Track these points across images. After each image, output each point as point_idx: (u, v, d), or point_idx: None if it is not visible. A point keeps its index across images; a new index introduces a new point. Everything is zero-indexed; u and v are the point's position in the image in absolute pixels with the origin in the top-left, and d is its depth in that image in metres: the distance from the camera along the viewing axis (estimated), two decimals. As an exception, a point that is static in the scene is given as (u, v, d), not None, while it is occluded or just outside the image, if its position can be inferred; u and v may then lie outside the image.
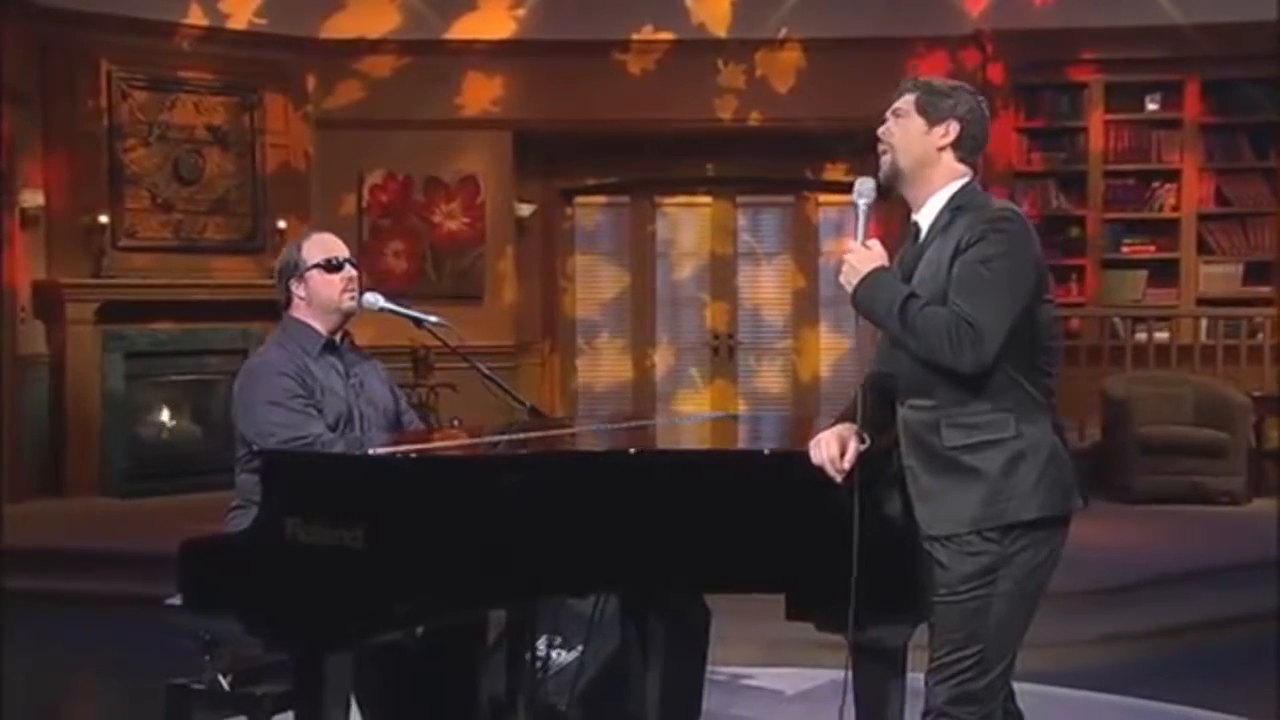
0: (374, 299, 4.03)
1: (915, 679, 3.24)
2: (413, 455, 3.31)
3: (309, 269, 3.90)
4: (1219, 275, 9.86)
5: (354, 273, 3.95)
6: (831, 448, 3.08)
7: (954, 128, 3.14)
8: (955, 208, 3.11)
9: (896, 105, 3.18)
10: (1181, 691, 5.36)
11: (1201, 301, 9.84)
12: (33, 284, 9.01)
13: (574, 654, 4.13)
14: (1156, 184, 9.94)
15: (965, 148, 3.15)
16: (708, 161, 10.86)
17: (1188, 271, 9.85)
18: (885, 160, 3.17)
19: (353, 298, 3.93)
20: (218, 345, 9.32)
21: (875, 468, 3.13)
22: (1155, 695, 5.33)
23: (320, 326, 3.92)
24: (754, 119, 10.30)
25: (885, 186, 3.19)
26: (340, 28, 10.10)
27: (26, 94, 8.90)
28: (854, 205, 3.19)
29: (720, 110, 10.29)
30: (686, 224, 11.16)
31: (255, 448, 3.61)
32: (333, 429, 3.79)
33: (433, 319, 4.10)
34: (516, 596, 3.57)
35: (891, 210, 3.59)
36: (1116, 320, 9.85)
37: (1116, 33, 9.60)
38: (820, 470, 3.08)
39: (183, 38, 9.55)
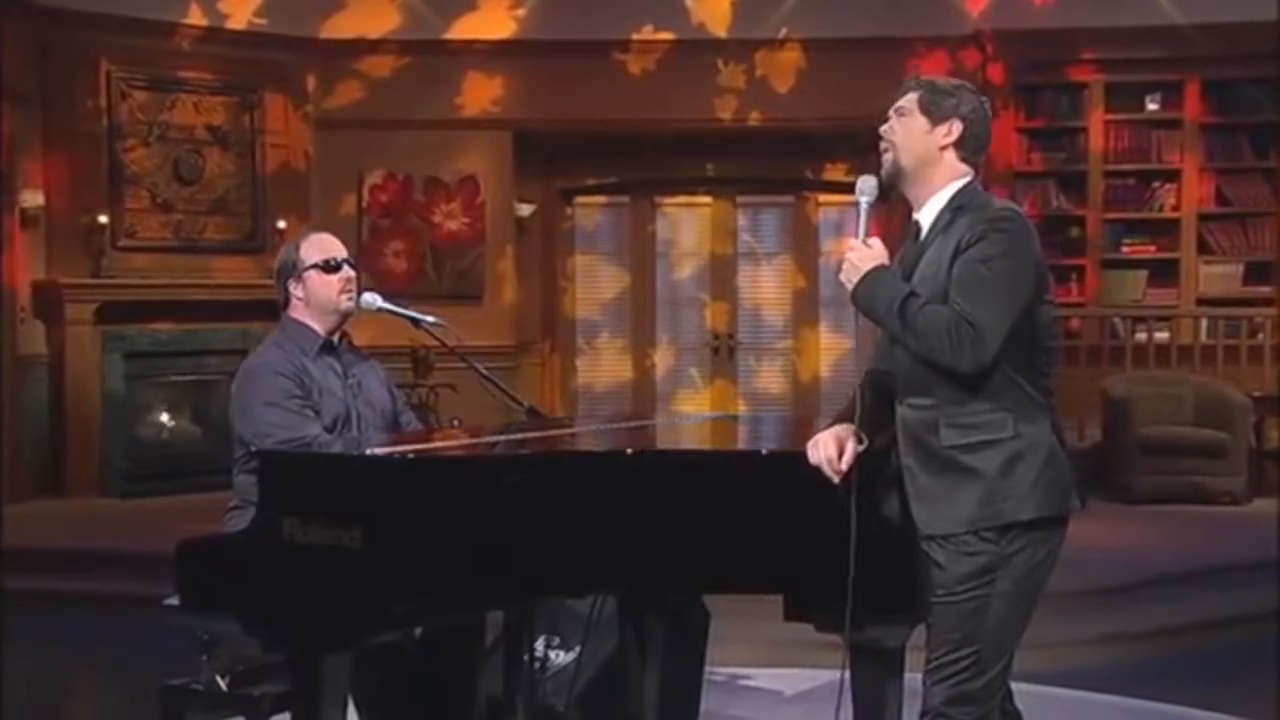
0: (372, 299, 4.03)
1: (913, 679, 3.24)
2: (410, 455, 3.30)
3: (307, 269, 3.90)
4: (1219, 275, 9.85)
5: (352, 273, 3.94)
6: (829, 448, 3.08)
7: (956, 127, 3.14)
8: (956, 207, 3.11)
9: (899, 104, 3.18)
10: (1181, 692, 5.35)
11: (1201, 301, 9.83)
12: (32, 284, 9.01)
13: (572, 654, 4.13)
14: (1156, 184, 9.93)
15: (968, 147, 3.15)
16: (708, 161, 10.86)
17: (1188, 271, 9.84)
18: (887, 158, 3.17)
19: (350, 298, 3.93)
20: (217, 345, 9.30)
21: (873, 468, 3.13)
22: (1155, 696, 5.32)
23: (318, 327, 3.92)
24: (754, 119, 10.30)
25: (887, 185, 3.19)
26: (340, 28, 10.10)
27: (26, 94, 8.90)
28: (855, 203, 3.19)
29: (720, 110, 10.29)
30: (686, 224, 11.16)
31: (252, 448, 3.61)
32: (330, 430, 3.79)
33: (430, 319, 4.10)
34: (514, 597, 3.56)
35: (892, 209, 3.59)
36: (1117, 320, 9.84)
37: (1116, 33, 9.59)
38: (818, 471, 3.08)
39: (182, 38, 9.55)
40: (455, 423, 5.09)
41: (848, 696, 3.29)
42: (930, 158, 3.14)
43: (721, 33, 10.23)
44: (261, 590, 3.26)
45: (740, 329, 11.04)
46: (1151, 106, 9.92)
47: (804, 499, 3.12)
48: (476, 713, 3.84)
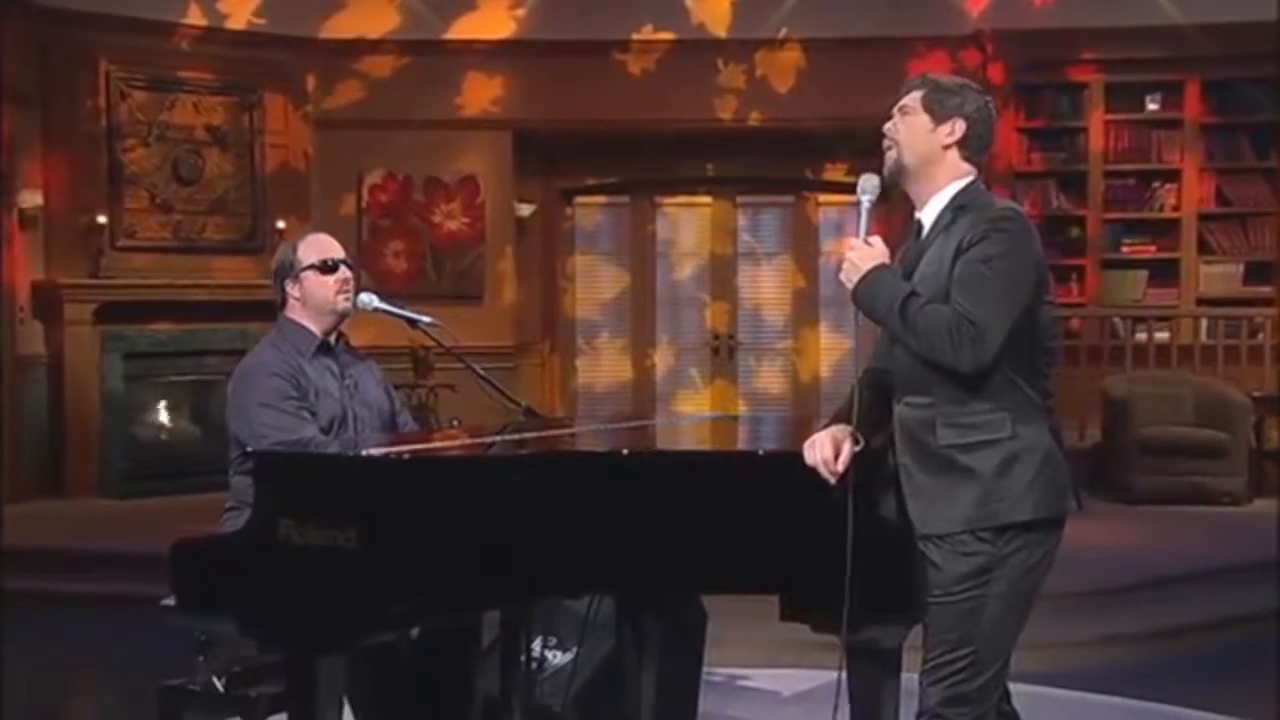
0: (369, 299, 4.02)
1: (910, 679, 3.24)
2: (406, 456, 3.29)
3: (304, 270, 3.90)
4: (1219, 275, 9.85)
5: (349, 274, 3.94)
6: (825, 449, 3.07)
7: (960, 126, 3.13)
8: (958, 206, 3.11)
9: (903, 102, 3.18)
10: (1181, 693, 5.35)
11: (1202, 301, 9.83)
12: (32, 284, 9.01)
13: (569, 655, 4.12)
14: (1157, 184, 9.93)
15: (971, 147, 3.15)
16: (708, 161, 10.86)
17: (1188, 271, 9.84)
18: (890, 156, 3.17)
19: (347, 299, 3.92)
20: (217, 346, 9.29)
21: (870, 468, 3.13)
22: (1154, 697, 5.32)
23: (315, 327, 3.91)
24: (754, 119, 10.30)
25: (889, 183, 3.19)
26: (340, 28, 10.10)
27: (26, 94, 8.90)
28: (857, 202, 3.18)
29: (720, 110, 10.28)
30: (686, 224, 11.16)
31: (248, 449, 3.60)
32: (326, 431, 3.78)
33: (426, 319, 4.10)
34: (511, 597, 3.55)
35: (892, 209, 3.58)
36: (1117, 320, 9.83)
37: (1117, 33, 9.59)
38: (815, 471, 3.07)
39: (182, 38, 9.55)
40: (455, 423, 5.08)
41: (845, 697, 3.29)
42: (933, 156, 3.14)
43: (721, 33, 10.23)
44: (257, 591, 3.25)
45: (740, 329, 11.03)
46: (1152, 106, 9.92)
47: (800, 499, 3.11)
48: (473, 713, 3.83)
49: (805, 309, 10.98)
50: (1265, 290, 9.74)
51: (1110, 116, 9.90)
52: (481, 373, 4.09)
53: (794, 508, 3.15)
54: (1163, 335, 9.62)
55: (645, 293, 11.03)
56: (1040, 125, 10.00)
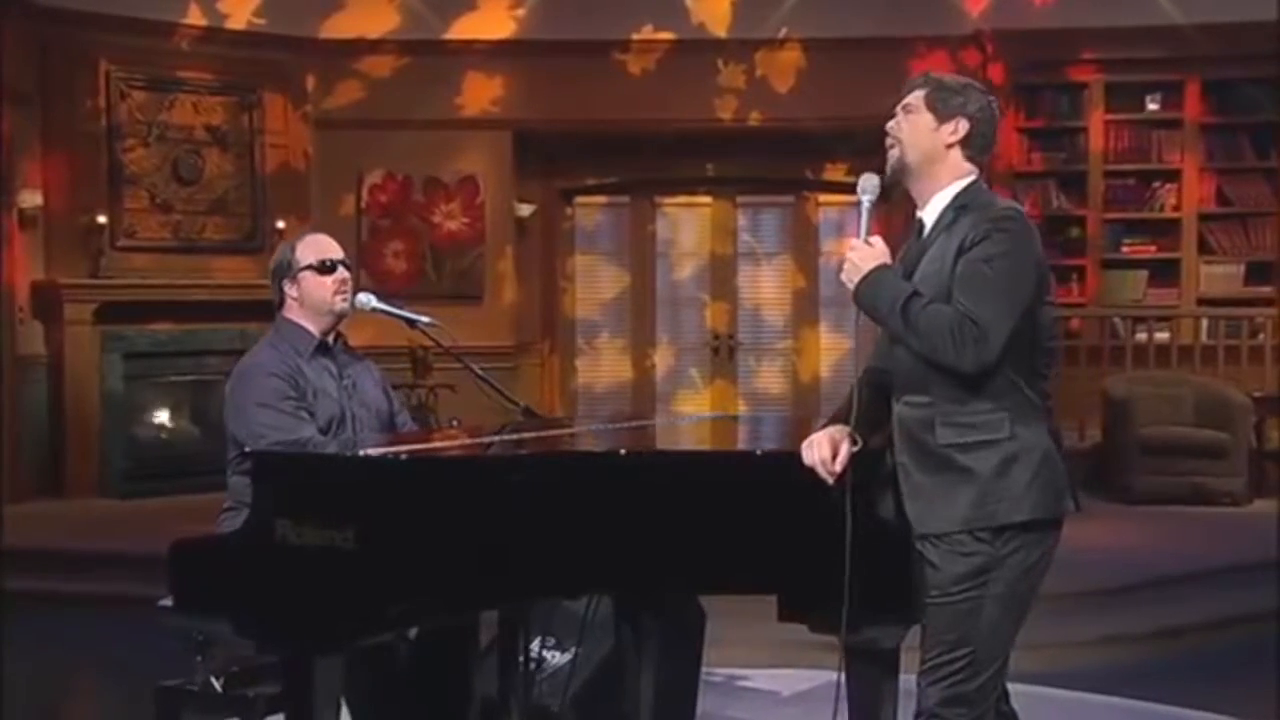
0: (366, 299, 4.02)
1: (908, 680, 3.23)
2: (403, 456, 3.28)
3: (301, 270, 3.89)
4: (1220, 275, 9.84)
5: (347, 275, 3.93)
6: (823, 449, 3.07)
7: (963, 126, 3.13)
8: (960, 206, 3.10)
9: (906, 100, 3.18)
10: (1181, 693, 5.34)
11: (1202, 301, 9.82)
12: (31, 284, 9.01)
13: (567, 655, 4.12)
14: (1157, 184, 9.92)
15: (974, 146, 3.15)
16: (708, 161, 10.85)
17: (1188, 271, 9.83)
18: (893, 155, 3.16)
19: (345, 300, 3.92)
20: (217, 346, 9.28)
21: (868, 468, 3.12)
22: (1154, 697, 5.31)
23: (313, 328, 3.91)
24: (754, 119, 10.29)
25: (891, 181, 3.19)
26: (339, 28, 10.10)
27: (26, 94, 8.90)
28: (857, 202, 3.18)
29: (720, 110, 10.28)
30: (686, 224, 11.15)
31: (246, 449, 3.60)
32: (324, 431, 3.78)
33: (425, 319, 4.09)
34: (509, 597, 3.55)
35: (892, 209, 3.58)
36: (1117, 320, 9.83)
37: (1117, 33, 9.58)
38: (813, 471, 3.07)
39: (182, 38, 9.55)
40: (454, 423, 5.08)
41: (844, 698, 3.29)
42: (935, 155, 3.14)
43: (721, 33, 10.22)
44: (254, 591, 3.25)
45: (740, 329, 11.03)
46: (1152, 106, 9.91)
47: (799, 500, 3.11)
48: (471, 714, 3.83)
49: (805, 309, 10.97)
50: (1265, 290, 9.74)
51: (1110, 116, 9.89)
52: (480, 373, 4.09)
53: (792, 508, 3.15)
54: (1163, 335, 9.62)
55: (645, 293, 11.03)
56: (1040, 125, 9.99)
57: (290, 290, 3.91)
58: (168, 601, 3.56)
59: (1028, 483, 3.00)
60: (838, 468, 3.06)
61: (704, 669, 4.27)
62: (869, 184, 3.18)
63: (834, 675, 3.22)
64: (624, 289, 11.06)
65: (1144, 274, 9.94)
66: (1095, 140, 9.86)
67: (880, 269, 3.07)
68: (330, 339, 3.95)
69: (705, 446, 4.33)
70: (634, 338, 11.06)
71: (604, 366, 11.13)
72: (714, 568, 3.23)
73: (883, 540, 3.11)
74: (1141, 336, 9.67)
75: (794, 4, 10.07)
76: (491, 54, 10.26)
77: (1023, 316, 3.00)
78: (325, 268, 3.89)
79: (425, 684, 3.81)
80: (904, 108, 3.18)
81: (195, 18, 9.58)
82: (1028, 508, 3.00)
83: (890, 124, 3.18)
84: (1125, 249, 9.97)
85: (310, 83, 10.07)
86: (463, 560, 3.19)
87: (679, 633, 4.03)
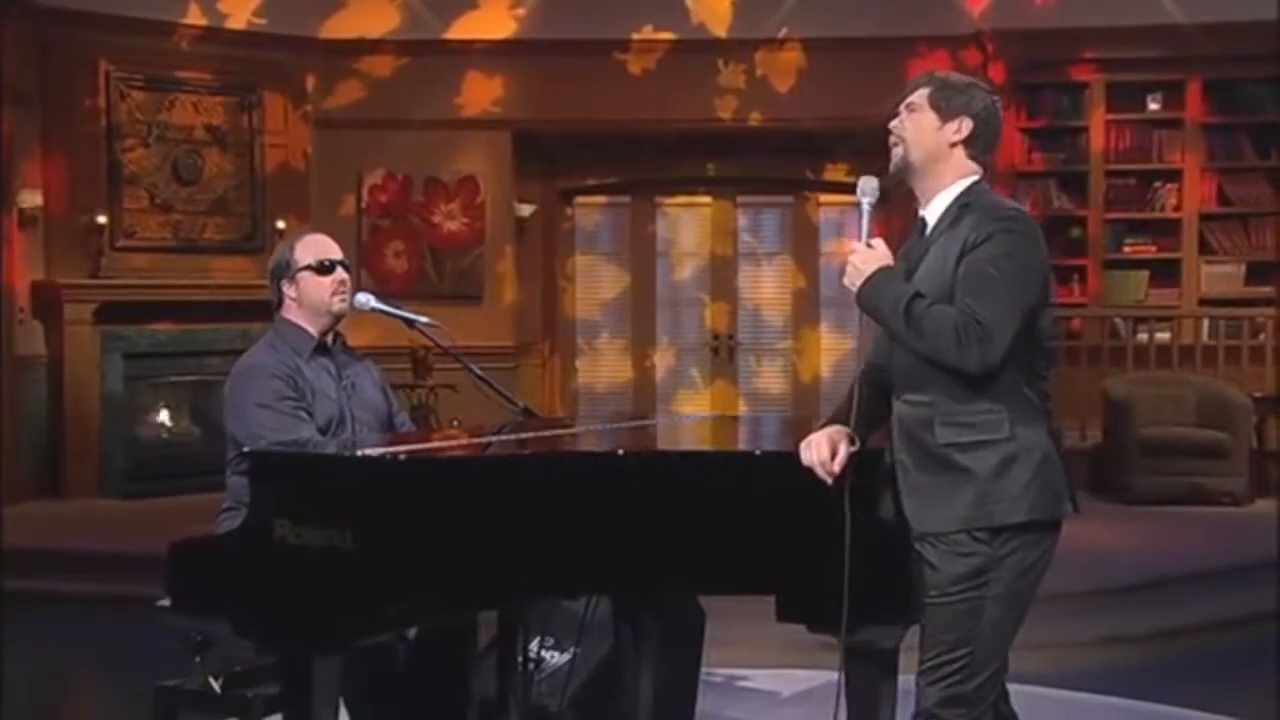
0: (365, 299, 4.02)
1: (906, 680, 3.23)
2: (401, 456, 3.28)
3: (300, 270, 3.89)
4: (1221, 275, 9.83)
5: (345, 275, 3.93)
6: (822, 450, 3.07)
7: (967, 125, 3.13)
8: (963, 205, 3.10)
9: (910, 99, 3.17)
10: (1181, 694, 5.34)
11: (1203, 302, 9.80)
12: (31, 284, 9.00)
13: (566, 655, 4.12)
14: (1158, 184, 9.91)
15: (977, 145, 3.15)
16: (708, 161, 10.85)
17: (1189, 272, 9.81)
18: (896, 153, 3.16)
19: (343, 300, 3.91)
20: (217, 346, 9.25)
21: (867, 468, 3.12)
22: (1155, 697, 5.31)
23: (311, 328, 3.90)
24: (754, 119, 10.28)
25: (894, 179, 3.18)
26: (340, 28, 10.09)
27: (26, 94, 8.89)
28: (857, 204, 3.18)
29: (720, 110, 10.27)
30: (687, 224, 11.15)
31: (245, 449, 3.59)
32: (323, 431, 3.77)
33: (423, 319, 4.09)
34: (506, 598, 3.55)
35: (891, 211, 3.58)
36: (1118, 320, 9.82)
37: (1117, 32, 9.57)
38: (811, 472, 3.07)
39: (182, 38, 9.54)
40: (455, 423, 5.08)
41: (843, 699, 3.28)
42: (939, 154, 3.13)
43: (722, 32, 10.21)
44: (253, 591, 3.25)
45: (740, 329, 11.03)
46: (1153, 106, 9.90)
47: (797, 500, 3.11)
48: (470, 714, 3.83)
49: (806, 309, 10.97)
50: (1266, 290, 9.72)
51: (1111, 116, 9.88)
52: (479, 373, 4.08)
53: (791, 508, 3.14)
54: (1164, 335, 9.61)
55: (645, 293, 11.02)
56: (1041, 125, 9.98)
57: (289, 290, 3.91)
58: (166, 602, 3.56)
59: (1026, 484, 2.99)
60: (836, 468, 3.06)
61: (704, 669, 4.27)
62: (868, 186, 3.17)
63: (834, 675, 3.22)
64: (624, 289, 11.06)
65: (1145, 274, 9.92)
66: (1096, 140, 9.85)
67: (883, 271, 3.07)
68: (329, 339, 3.95)
69: (704, 446, 4.32)
70: (634, 338, 11.06)
71: (604, 367, 11.13)
72: (712, 568, 3.22)
73: (882, 540, 3.11)
74: (1142, 337, 9.66)
75: (794, 4, 10.07)
76: (492, 54, 10.25)
77: (1026, 317, 3.00)
78: (323, 268, 3.89)
79: (424, 684, 3.81)
80: (907, 106, 3.17)
81: (195, 17, 9.57)
82: (1026, 509, 2.99)
83: (894, 122, 3.18)
84: (1126, 249, 9.96)
85: (310, 83, 10.07)
86: (461, 560, 3.19)
87: (678, 633, 4.03)
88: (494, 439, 3.92)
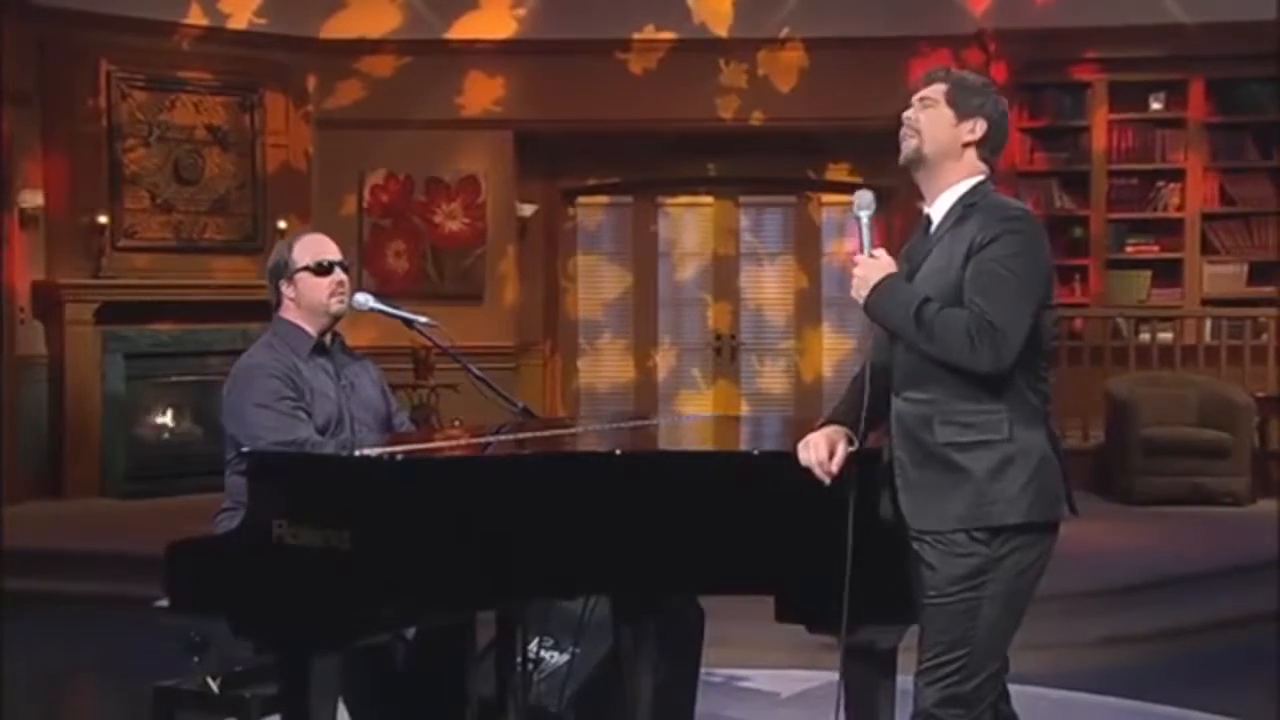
0: (364, 299, 4.01)
1: (905, 680, 3.22)
2: (399, 456, 3.27)
3: (298, 271, 3.88)
4: (1223, 275, 9.81)
5: (343, 276, 3.92)
6: (820, 450, 3.07)
7: (981, 126, 3.14)
8: (969, 204, 3.10)
9: (924, 93, 3.17)
10: (1182, 694, 5.32)
11: (1206, 302, 9.79)
12: (32, 284, 9.00)
13: (565, 655, 4.11)
14: (1160, 183, 9.89)
15: (988, 147, 3.16)
16: (710, 161, 10.85)
17: (1192, 271, 9.80)
18: (910, 145, 3.15)
19: (341, 301, 3.90)
20: (218, 346, 9.24)
21: (866, 468, 3.11)
22: (1156, 698, 5.29)
23: (310, 328, 3.89)
24: (756, 119, 10.28)
25: (903, 166, 3.17)
26: (341, 27, 10.09)
27: (26, 94, 8.89)
28: (855, 219, 3.18)
29: (722, 110, 10.27)
30: (689, 224, 11.15)
31: (244, 449, 3.58)
32: (322, 432, 3.77)
33: (422, 319, 4.08)
34: (504, 598, 3.54)
35: (892, 211, 3.56)
36: (1120, 320, 9.80)
37: (1120, 32, 9.55)
38: (810, 472, 3.06)
39: (183, 37, 9.54)
40: (456, 423, 5.07)
41: (843, 700, 3.28)
42: (952, 151, 3.14)
43: (723, 32, 10.21)
44: (251, 591, 3.25)
45: (742, 329, 11.03)
46: (1155, 106, 9.88)
47: (796, 500, 3.10)
48: (469, 714, 3.82)
49: (808, 309, 10.97)
50: (1269, 290, 9.70)
51: (1114, 116, 9.86)
52: (478, 373, 4.07)
53: (789, 508, 3.13)
54: (1166, 335, 9.59)
55: (647, 293, 11.02)
56: (1043, 125, 9.96)
57: (287, 291, 3.90)
58: (164, 602, 3.55)
59: (1024, 485, 2.98)
60: (834, 468, 3.06)
61: (704, 669, 4.26)
62: (864, 200, 3.18)
63: (833, 675, 3.22)
64: (626, 289, 11.06)
65: (1147, 274, 9.91)
66: (1098, 140, 9.83)
67: (888, 280, 3.07)
68: (328, 339, 3.94)
69: (703, 446, 4.32)
70: (636, 338, 11.06)
71: (606, 367, 11.12)
72: (711, 568, 3.22)
73: (881, 540, 3.10)
74: (1144, 336, 9.64)
75: (796, 3, 10.06)
76: (493, 54, 10.25)
77: (1036, 316, 3.00)
78: (322, 269, 3.88)
79: (422, 684, 3.80)
80: (922, 100, 3.17)
81: (196, 17, 9.57)
82: (1023, 510, 2.99)
83: (908, 113, 3.17)
84: (1128, 249, 9.94)
85: (311, 82, 10.07)
86: (459, 560, 3.19)
87: (677, 633, 4.02)
88: (492, 439, 3.92)
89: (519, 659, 3.86)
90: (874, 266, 3.09)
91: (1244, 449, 8.65)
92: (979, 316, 2.95)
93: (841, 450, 3.07)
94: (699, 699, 4.24)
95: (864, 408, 3.11)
